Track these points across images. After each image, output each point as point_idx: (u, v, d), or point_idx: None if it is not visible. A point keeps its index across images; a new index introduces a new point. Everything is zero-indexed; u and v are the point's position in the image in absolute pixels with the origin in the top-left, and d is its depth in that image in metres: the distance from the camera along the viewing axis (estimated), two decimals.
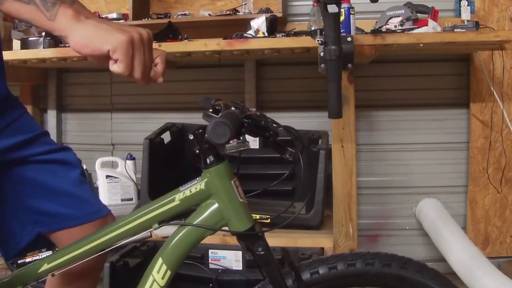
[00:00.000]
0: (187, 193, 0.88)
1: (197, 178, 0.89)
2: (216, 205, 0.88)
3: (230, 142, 0.83)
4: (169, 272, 0.89)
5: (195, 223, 0.88)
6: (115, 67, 0.75)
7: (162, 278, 0.88)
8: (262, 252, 0.87)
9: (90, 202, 1.07)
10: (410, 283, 0.94)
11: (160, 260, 0.89)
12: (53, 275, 0.94)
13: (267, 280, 0.91)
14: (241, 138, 0.86)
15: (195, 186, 0.88)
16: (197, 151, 0.86)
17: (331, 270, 0.94)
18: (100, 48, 0.73)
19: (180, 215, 0.91)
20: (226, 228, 0.89)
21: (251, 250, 0.89)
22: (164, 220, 0.90)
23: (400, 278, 0.94)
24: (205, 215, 0.88)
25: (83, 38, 0.74)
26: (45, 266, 0.94)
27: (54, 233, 1.04)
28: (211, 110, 0.87)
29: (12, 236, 1.02)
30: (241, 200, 0.88)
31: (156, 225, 0.89)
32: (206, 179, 0.88)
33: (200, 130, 0.84)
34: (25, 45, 2.13)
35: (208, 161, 0.87)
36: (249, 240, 0.88)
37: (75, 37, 0.74)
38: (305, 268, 0.95)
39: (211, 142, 0.77)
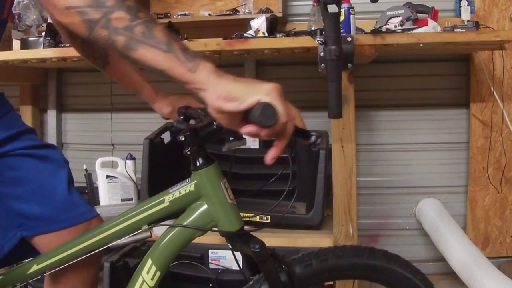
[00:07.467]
0: (177, 194, 0.88)
1: (187, 180, 0.89)
2: (205, 207, 0.88)
3: (231, 139, 0.83)
4: (158, 273, 0.89)
5: (184, 224, 0.88)
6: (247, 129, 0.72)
7: (152, 278, 0.89)
8: (258, 249, 0.86)
9: (76, 203, 1.02)
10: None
11: (149, 261, 0.89)
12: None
13: (259, 277, 0.90)
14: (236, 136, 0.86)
15: (185, 188, 0.88)
16: (188, 152, 0.86)
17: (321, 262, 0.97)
18: (250, 100, 0.70)
19: (170, 216, 0.91)
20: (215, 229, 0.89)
21: (241, 250, 0.89)
22: (153, 222, 0.90)
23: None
24: (194, 216, 0.88)
25: (227, 92, 0.70)
26: (35, 267, 0.94)
27: (38, 237, 0.99)
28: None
29: None
30: (230, 202, 0.88)
31: (146, 227, 0.90)
32: (195, 181, 0.88)
33: (189, 132, 0.83)
34: (25, 45, 2.12)
35: (197, 163, 0.87)
36: (242, 239, 0.88)
37: (218, 91, 0.70)
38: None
39: (261, 125, 0.72)
